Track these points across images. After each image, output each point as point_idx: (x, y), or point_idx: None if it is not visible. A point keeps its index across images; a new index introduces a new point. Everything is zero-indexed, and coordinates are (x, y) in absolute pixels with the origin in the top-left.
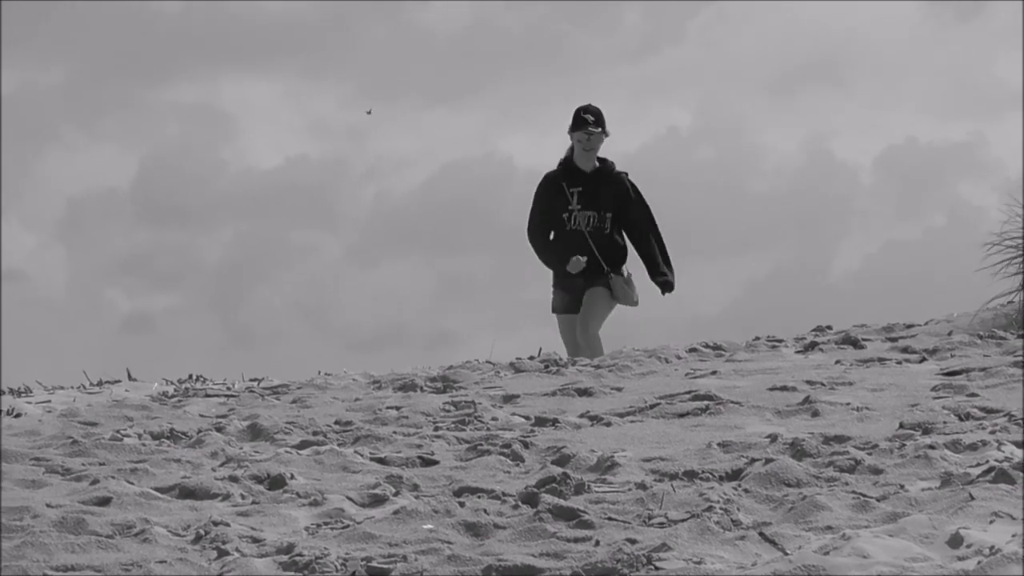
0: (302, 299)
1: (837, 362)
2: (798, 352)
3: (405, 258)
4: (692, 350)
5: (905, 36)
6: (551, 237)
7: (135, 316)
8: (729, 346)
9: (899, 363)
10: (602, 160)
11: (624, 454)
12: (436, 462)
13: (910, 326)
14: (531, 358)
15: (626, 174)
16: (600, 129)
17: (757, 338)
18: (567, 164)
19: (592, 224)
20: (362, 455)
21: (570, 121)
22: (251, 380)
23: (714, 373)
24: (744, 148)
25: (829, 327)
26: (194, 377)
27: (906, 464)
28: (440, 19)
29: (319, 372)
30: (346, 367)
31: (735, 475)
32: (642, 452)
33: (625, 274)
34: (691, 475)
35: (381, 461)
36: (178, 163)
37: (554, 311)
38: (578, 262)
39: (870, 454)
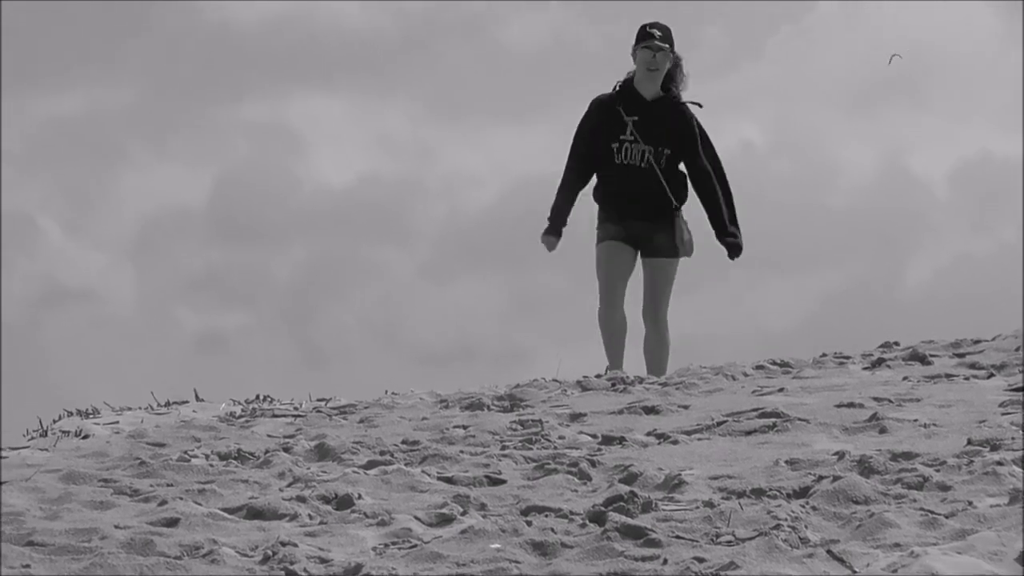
0: (374, 317)
1: (904, 378)
2: (865, 368)
3: (477, 275)
4: (759, 367)
5: (982, 48)
6: (593, 178)
7: (207, 335)
8: (796, 363)
9: (967, 379)
10: (667, 88)
11: (691, 472)
12: (503, 481)
13: (977, 342)
14: (598, 376)
15: (689, 104)
16: (669, 47)
17: (824, 354)
18: (625, 87)
19: (647, 160)
20: (429, 474)
21: (633, 39)
22: (318, 400)
23: (781, 390)
24: (819, 163)
25: (896, 343)
26: (261, 397)
27: (974, 481)
28: (517, 37)
29: (386, 391)
30: (418, 384)
31: (802, 492)
32: (709, 470)
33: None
34: (758, 493)
35: (448, 480)
36: (251, 181)
37: (600, 241)
38: (550, 242)
39: (938, 471)
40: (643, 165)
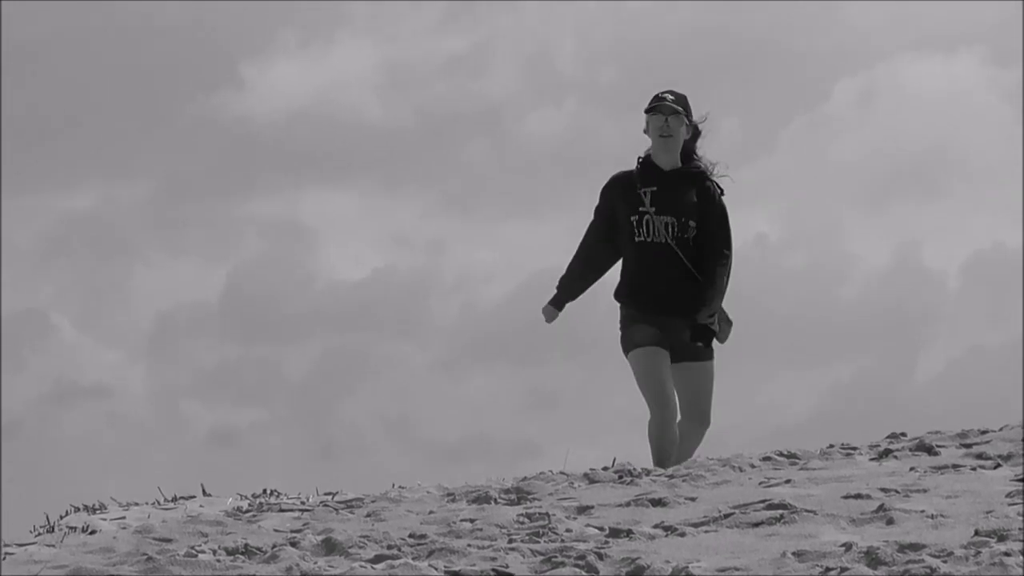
0: (387, 410)
1: (911, 469)
2: (872, 459)
3: (491, 369)
4: (766, 458)
5: (995, 140)
6: (618, 258)
7: (219, 430)
8: (803, 454)
9: (973, 469)
10: (687, 158)
11: (699, 564)
12: (511, 575)
13: (984, 432)
14: (605, 468)
15: (710, 175)
16: (683, 111)
17: (831, 446)
18: (643, 162)
19: (673, 233)
20: (436, 568)
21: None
22: (325, 494)
23: (788, 482)
24: (832, 255)
25: (903, 434)
26: (268, 491)
27: (981, 571)
28: (532, 130)
29: (393, 485)
30: (430, 477)
31: None
32: (717, 562)
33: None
34: None
35: (455, 574)
36: (265, 276)
37: (631, 347)
38: (550, 313)
39: (945, 562)
40: (668, 241)
